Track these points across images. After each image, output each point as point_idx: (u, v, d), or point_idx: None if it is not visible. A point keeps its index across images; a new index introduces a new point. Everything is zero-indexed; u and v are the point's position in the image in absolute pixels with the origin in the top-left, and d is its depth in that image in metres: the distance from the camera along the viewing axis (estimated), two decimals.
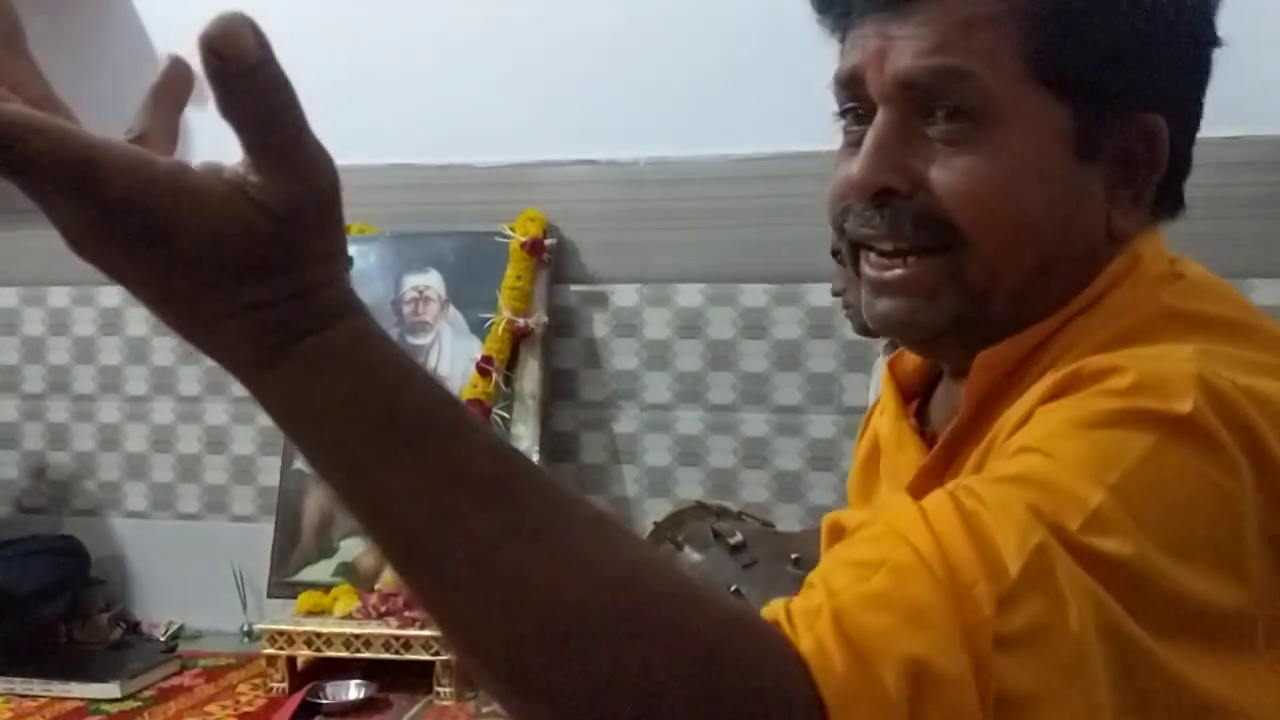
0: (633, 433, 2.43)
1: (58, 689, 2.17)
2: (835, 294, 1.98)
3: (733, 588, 1.59)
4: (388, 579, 2.18)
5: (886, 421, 0.85)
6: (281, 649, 2.17)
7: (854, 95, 0.75)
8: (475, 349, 2.33)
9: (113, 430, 2.68)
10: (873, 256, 0.75)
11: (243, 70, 0.45)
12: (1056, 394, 0.64)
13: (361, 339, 0.49)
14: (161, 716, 2.08)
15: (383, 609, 2.19)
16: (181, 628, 2.53)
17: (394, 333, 2.36)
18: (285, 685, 2.16)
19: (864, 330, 1.96)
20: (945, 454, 0.76)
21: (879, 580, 0.53)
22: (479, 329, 2.34)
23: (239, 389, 0.50)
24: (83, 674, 2.21)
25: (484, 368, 2.29)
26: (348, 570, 2.30)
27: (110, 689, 2.15)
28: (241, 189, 0.46)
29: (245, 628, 2.48)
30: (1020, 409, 0.66)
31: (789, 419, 2.35)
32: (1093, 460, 0.58)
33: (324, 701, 2.08)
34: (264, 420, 0.55)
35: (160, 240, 0.45)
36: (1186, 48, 0.73)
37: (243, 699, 2.14)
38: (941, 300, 0.73)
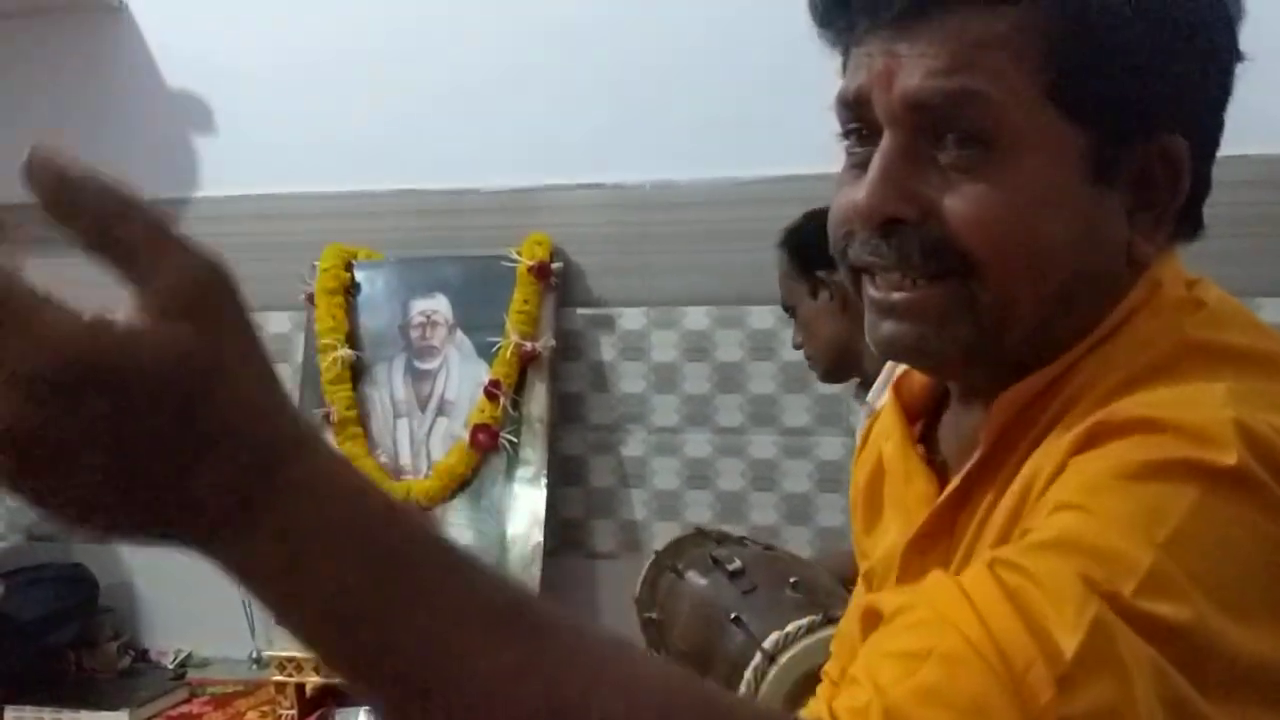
0: (641, 456, 2.42)
1: (67, 717, 2.16)
2: (795, 347, 1.97)
3: (733, 615, 1.58)
4: None
5: (891, 447, 0.83)
6: (290, 676, 2.16)
7: (858, 116, 0.72)
8: (483, 373, 2.33)
9: None
10: (878, 278, 0.72)
11: (59, 189, 0.42)
12: (1089, 443, 0.61)
13: (337, 464, 0.46)
14: None
15: None
16: (190, 655, 2.52)
17: (402, 358, 2.39)
18: (294, 712, 2.15)
19: (828, 377, 1.95)
20: (960, 494, 0.73)
21: (928, 672, 0.51)
22: (486, 353, 2.34)
23: None
24: (92, 702, 2.21)
25: (492, 392, 2.29)
26: None
27: (119, 717, 2.15)
28: (139, 309, 0.42)
29: (254, 655, 2.46)
30: (1051, 460, 0.63)
31: (797, 441, 2.34)
32: (1139, 517, 0.55)
33: None
34: None
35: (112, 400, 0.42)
36: (1207, 65, 0.70)
37: None
38: (951, 328, 0.70)
